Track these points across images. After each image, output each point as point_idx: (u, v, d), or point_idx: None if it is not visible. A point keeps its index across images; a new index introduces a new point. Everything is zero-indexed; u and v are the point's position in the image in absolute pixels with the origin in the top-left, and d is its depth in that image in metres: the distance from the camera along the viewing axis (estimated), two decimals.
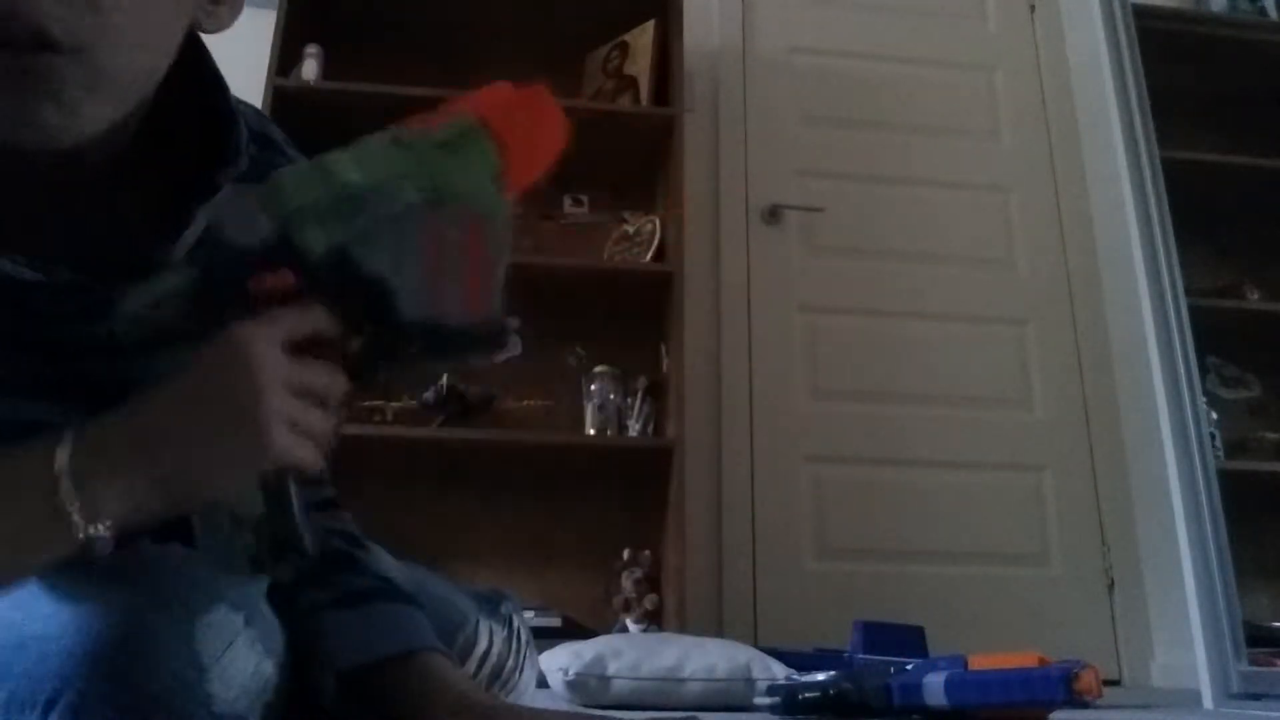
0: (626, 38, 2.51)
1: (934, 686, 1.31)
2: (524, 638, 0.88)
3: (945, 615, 2.17)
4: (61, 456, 0.48)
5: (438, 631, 0.70)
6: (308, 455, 0.53)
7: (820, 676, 1.46)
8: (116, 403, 0.51)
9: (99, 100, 0.52)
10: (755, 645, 1.92)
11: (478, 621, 0.81)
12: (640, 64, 2.45)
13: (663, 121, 2.34)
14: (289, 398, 0.51)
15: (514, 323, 0.61)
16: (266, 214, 0.52)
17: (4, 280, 0.55)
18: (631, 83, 2.45)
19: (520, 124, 0.61)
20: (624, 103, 2.42)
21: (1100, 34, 2.56)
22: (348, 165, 0.55)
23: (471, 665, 0.79)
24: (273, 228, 0.52)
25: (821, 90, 2.73)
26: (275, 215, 0.53)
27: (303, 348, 0.54)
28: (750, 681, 1.53)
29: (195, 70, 0.62)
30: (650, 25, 2.47)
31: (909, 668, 1.44)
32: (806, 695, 1.44)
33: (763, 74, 2.71)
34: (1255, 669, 2.02)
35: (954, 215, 2.66)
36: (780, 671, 1.60)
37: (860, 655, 1.77)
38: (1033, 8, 2.90)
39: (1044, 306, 2.63)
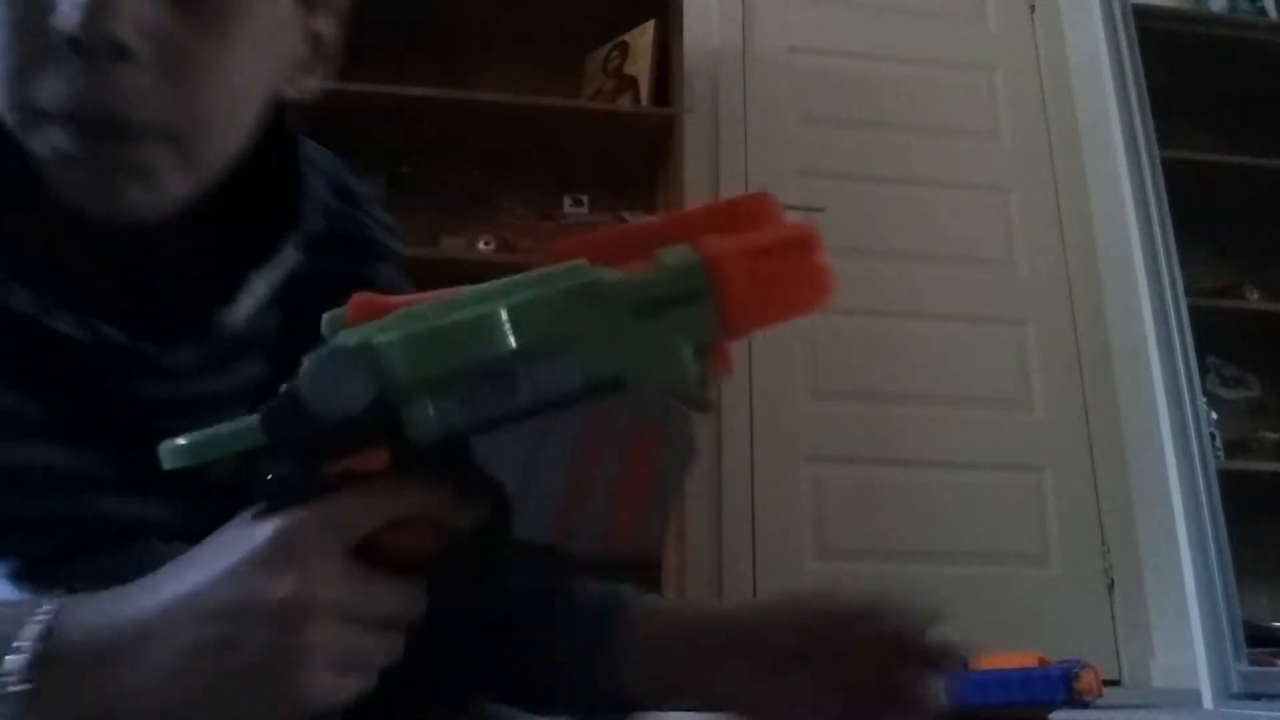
0: (626, 38, 2.51)
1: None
2: None
3: (945, 615, 2.17)
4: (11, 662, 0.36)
5: None
6: (354, 691, 0.39)
7: None
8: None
9: (186, 180, 0.50)
10: None
11: None
12: (640, 64, 2.45)
13: (663, 121, 2.33)
14: (338, 627, 0.37)
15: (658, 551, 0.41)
16: (365, 378, 0.38)
17: (52, 336, 0.50)
18: (631, 83, 2.45)
19: (764, 274, 0.40)
20: (624, 103, 2.42)
21: (1100, 34, 2.57)
22: (504, 321, 0.38)
23: None
24: (370, 398, 0.39)
25: (821, 90, 2.72)
26: (376, 383, 0.38)
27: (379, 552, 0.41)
28: None
29: (271, 130, 0.57)
30: (650, 25, 2.47)
31: None
32: None
33: (763, 74, 2.70)
34: (1255, 669, 2.02)
35: (954, 215, 2.66)
36: None
37: None
38: (1033, 8, 2.89)
39: (1044, 306, 2.63)
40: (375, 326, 0.40)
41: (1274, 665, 2.05)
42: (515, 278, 0.40)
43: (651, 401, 0.40)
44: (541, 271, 0.40)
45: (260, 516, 0.39)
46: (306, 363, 0.39)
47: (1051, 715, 1.29)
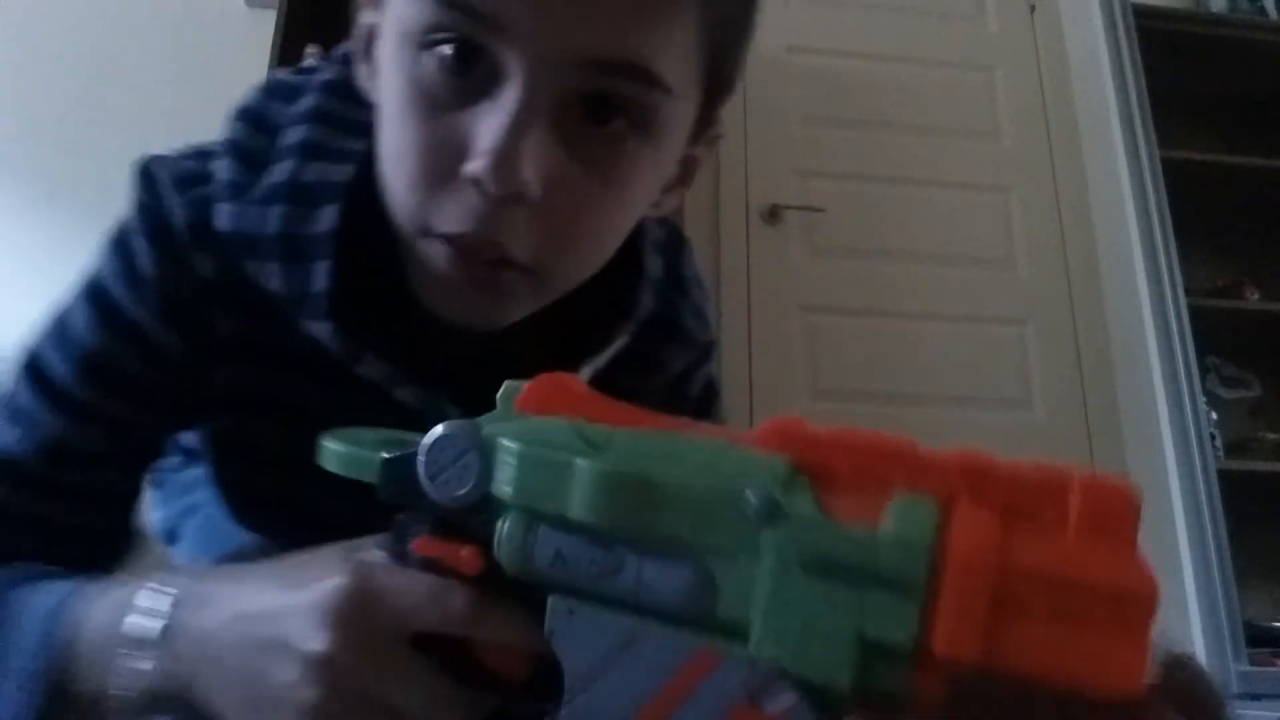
0: None
1: None
2: None
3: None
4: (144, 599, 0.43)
5: None
6: None
7: None
8: None
9: (536, 303, 0.53)
10: None
11: None
12: None
13: None
14: (346, 698, 0.38)
15: None
16: (478, 473, 0.35)
17: (396, 409, 0.54)
18: None
19: (1030, 606, 0.28)
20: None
21: (1100, 34, 2.57)
22: (615, 487, 0.32)
23: None
24: (478, 496, 0.35)
25: (821, 90, 2.72)
26: (487, 483, 0.35)
27: (439, 647, 0.38)
28: None
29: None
30: None
31: None
32: None
33: (763, 74, 2.70)
34: (1255, 669, 2.02)
35: (954, 215, 2.66)
36: None
37: None
38: (1033, 8, 2.89)
39: (1044, 306, 2.63)
40: (521, 422, 0.36)
41: (1274, 665, 2.05)
42: (710, 441, 0.34)
43: (772, 683, 0.30)
44: (740, 453, 0.32)
45: (345, 558, 0.39)
46: (438, 429, 0.36)
47: None
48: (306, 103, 0.58)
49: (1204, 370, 2.51)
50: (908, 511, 0.29)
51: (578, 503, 0.33)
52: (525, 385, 0.37)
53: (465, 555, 0.36)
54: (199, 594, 0.42)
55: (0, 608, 0.47)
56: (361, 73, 0.56)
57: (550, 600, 0.34)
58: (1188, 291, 2.33)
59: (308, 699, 0.37)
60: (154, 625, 0.42)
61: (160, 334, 0.54)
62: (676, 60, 0.49)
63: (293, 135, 0.56)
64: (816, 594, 0.29)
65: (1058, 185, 2.73)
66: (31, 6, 2.52)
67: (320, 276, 0.52)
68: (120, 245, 0.56)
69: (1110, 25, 2.53)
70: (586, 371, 0.58)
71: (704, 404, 0.71)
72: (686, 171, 0.59)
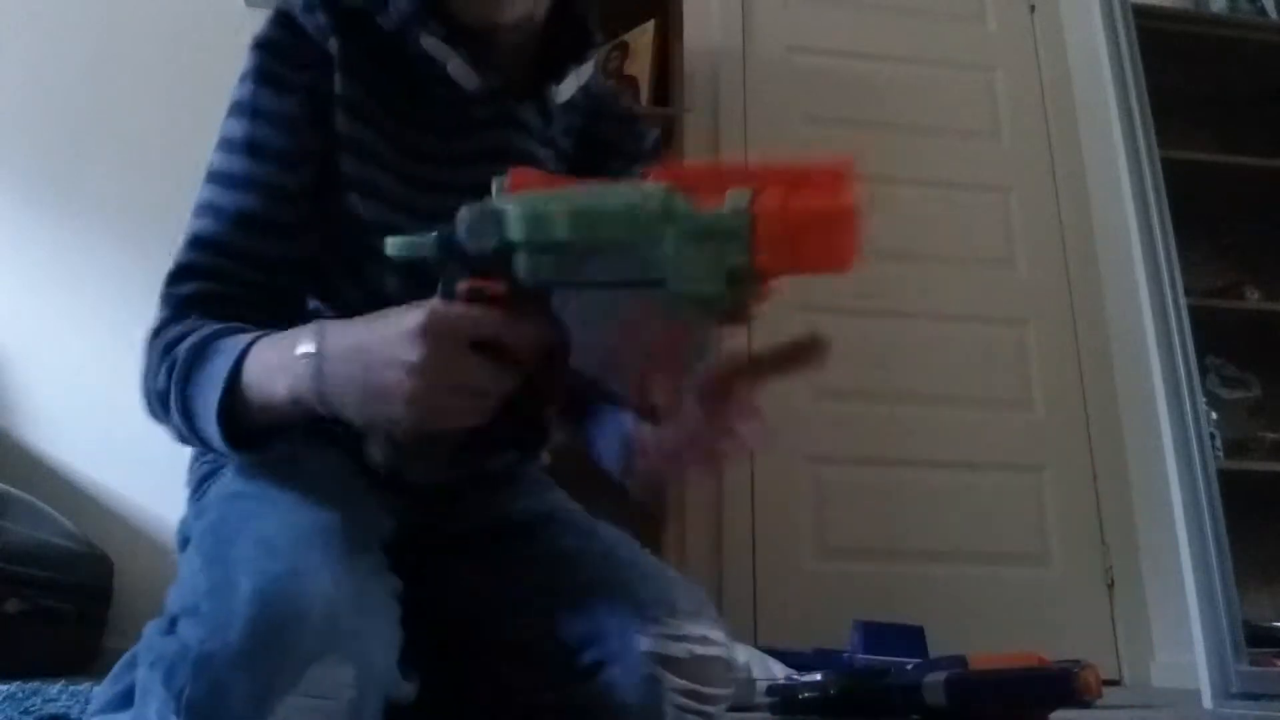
0: (626, 38, 2.51)
1: (934, 686, 1.31)
2: None
3: (945, 615, 2.17)
4: (305, 344, 0.66)
5: None
6: (439, 429, 0.63)
7: (820, 676, 1.46)
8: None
9: (537, 3, 0.83)
10: (755, 645, 1.92)
11: None
12: (640, 64, 2.45)
13: (663, 121, 2.33)
14: (434, 386, 0.60)
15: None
16: (493, 230, 0.60)
17: (451, 86, 0.83)
18: (631, 83, 2.45)
19: (797, 234, 0.54)
20: (624, 103, 2.42)
21: (1100, 34, 2.56)
22: (589, 220, 0.57)
23: None
24: (494, 244, 0.60)
25: (821, 90, 2.72)
26: (499, 235, 0.59)
27: (487, 347, 0.61)
28: (750, 681, 1.53)
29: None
30: (650, 25, 2.47)
31: (909, 668, 1.44)
32: (806, 695, 1.44)
33: (763, 74, 2.70)
34: (1255, 669, 2.02)
35: (954, 215, 2.66)
36: (780, 671, 1.60)
37: (860, 655, 1.77)
38: (1033, 8, 2.90)
39: (1044, 306, 2.63)
40: (514, 197, 0.60)
41: (1274, 665, 2.05)
42: (619, 186, 0.59)
43: (685, 306, 0.56)
44: (634, 185, 0.58)
45: (419, 307, 0.60)
46: (463, 211, 0.60)
47: (1051, 715, 1.29)
48: None
49: (1204, 370, 2.51)
50: (735, 197, 0.54)
51: (558, 232, 0.58)
52: (509, 176, 0.61)
53: (494, 285, 0.61)
54: (335, 332, 0.65)
55: (213, 341, 0.71)
56: None
57: (554, 294, 0.60)
58: (1188, 291, 2.33)
59: (410, 389, 0.60)
60: (310, 348, 0.64)
61: (296, 111, 0.80)
62: None
63: None
64: (698, 251, 0.55)
65: (1058, 185, 2.73)
66: (32, 6, 2.52)
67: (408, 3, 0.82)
68: (248, 71, 0.83)
69: (1110, 25, 2.53)
70: (572, 79, 0.87)
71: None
72: None
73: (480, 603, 0.80)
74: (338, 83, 0.80)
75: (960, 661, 1.36)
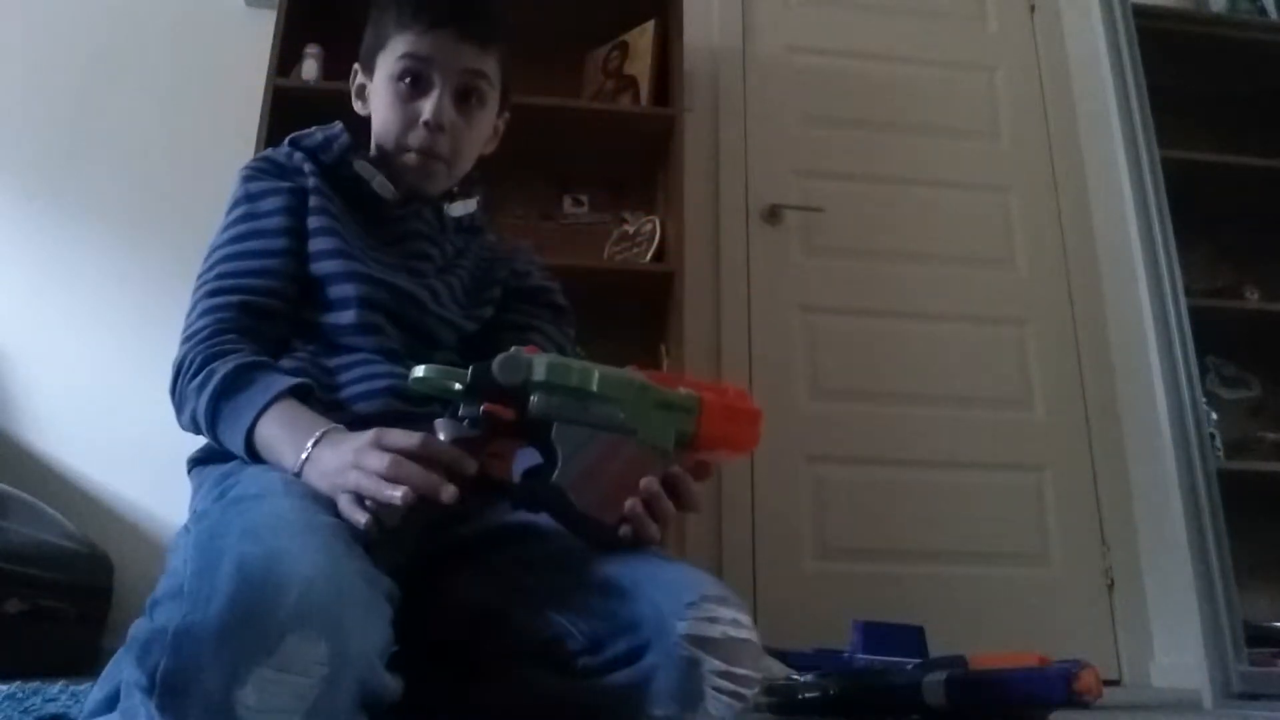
0: (626, 38, 2.51)
1: (934, 686, 1.31)
2: None
3: (945, 615, 2.17)
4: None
5: None
6: (362, 523, 0.76)
7: (820, 676, 1.46)
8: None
9: (446, 182, 1.19)
10: None
11: None
12: (640, 64, 2.45)
13: (663, 121, 2.33)
14: (364, 477, 0.77)
15: (627, 535, 0.81)
16: (521, 372, 0.82)
17: (374, 197, 1.15)
18: (631, 83, 2.45)
19: (726, 420, 0.86)
20: (624, 103, 2.42)
21: (1100, 34, 2.57)
22: (595, 378, 0.83)
23: None
24: (521, 381, 0.82)
25: (821, 90, 2.73)
26: (524, 376, 0.82)
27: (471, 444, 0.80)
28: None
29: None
30: (650, 25, 2.47)
31: (909, 668, 1.44)
32: (806, 695, 1.44)
33: (763, 74, 2.71)
34: (1255, 669, 2.02)
35: (954, 215, 2.66)
36: (780, 671, 1.60)
37: (860, 655, 1.77)
38: (1033, 8, 2.90)
39: (1044, 306, 2.63)
40: (535, 354, 0.83)
41: (1274, 665, 2.05)
42: (616, 371, 0.84)
43: (647, 451, 0.83)
44: (627, 372, 0.85)
45: (385, 434, 0.80)
46: (500, 356, 0.82)
47: (1051, 715, 1.29)
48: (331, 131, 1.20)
49: (1204, 370, 2.51)
50: (689, 392, 0.86)
51: (572, 379, 0.82)
52: (528, 348, 0.84)
53: (505, 410, 0.81)
54: (323, 444, 0.85)
55: (254, 371, 0.95)
56: (357, 105, 1.24)
57: (555, 426, 0.81)
58: (1188, 291, 2.33)
59: (350, 478, 0.78)
60: (304, 455, 0.85)
61: (281, 200, 1.10)
62: (494, 72, 1.17)
63: (331, 131, 1.20)
64: (662, 416, 0.84)
65: (1058, 185, 2.74)
66: (32, 7, 2.52)
67: (336, 129, 1.19)
68: (238, 183, 1.13)
69: (1110, 25, 2.53)
70: (459, 207, 1.22)
71: (539, 292, 1.25)
72: (495, 132, 1.25)
73: (499, 603, 0.82)
74: (311, 187, 1.11)
75: (960, 661, 1.36)
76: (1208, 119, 2.74)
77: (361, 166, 1.14)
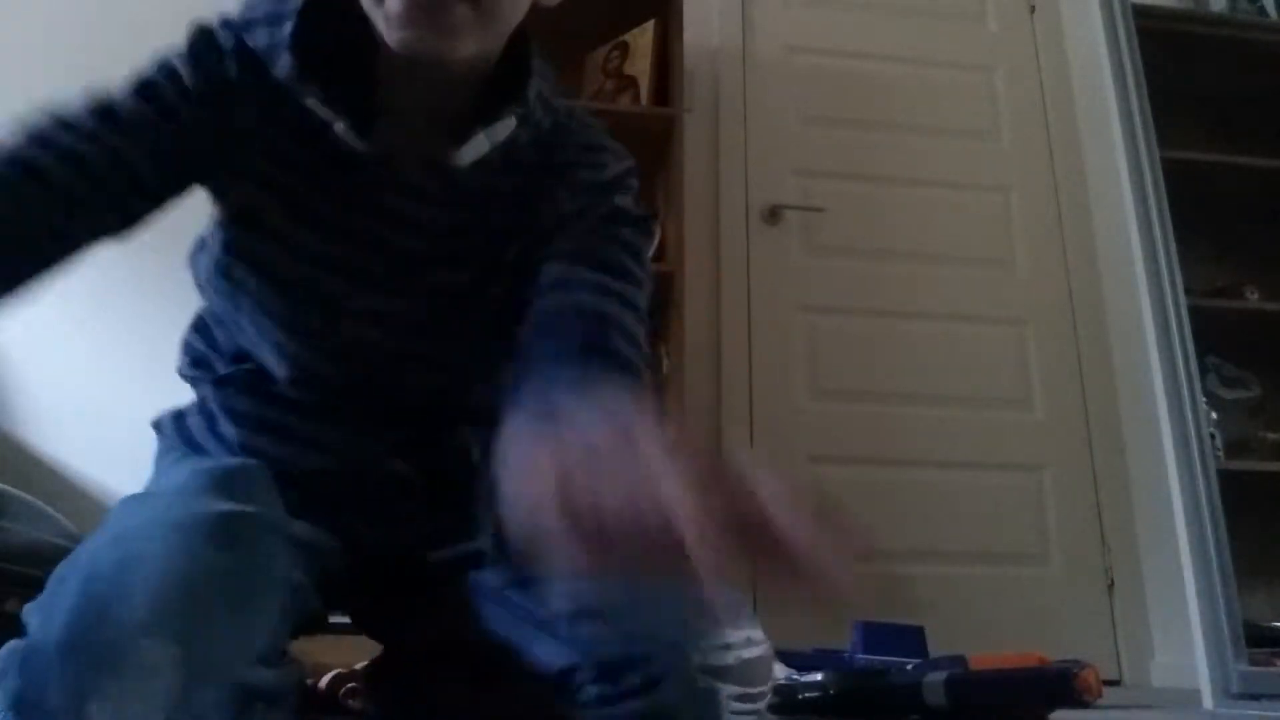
0: (626, 38, 2.51)
1: (934, 686, 1.31)
2: None
3: (945, 615, 2.17)
4: None
5: None
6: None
7: (820, 676, 1.46)
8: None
9: (476, 40, 0.74)
10: None
11: None
12: (640, 64, 2.45)
13: (663, 121, 2.33)
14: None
15: None
16: None
17: (336, 147, 0.77)
18: (631, 83, 2.45)
19: None
20: (624, 103, 2.42)
21: (1100, 34, 2.56)
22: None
23: None
24: None
25: (821, 90, 2.73)
26: None
27: None
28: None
29: (522, 44, 0.83)
30: (650, 25, 2.47)
31: (909, 668, 1.44)
32: (806, 695, 1.44)
33: (763, 74, 2.71)
34: (1255, 669, 2.02)
35: (954, 215, 2.66)
36: (780, 671, 1.60)
37: (860, 655, 1.77)
38: (1033, 8, 2.90)
39: (1044, 306, 2.63)
40: None
41: (1274, 665, 2.05)
42: None
43: None
44: None
45: None
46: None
47: (1051, 715, 1.29)
48: None
49: (1204, 370, 2.51)
50: None
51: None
52: None
53: None
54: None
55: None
56: None
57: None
58: (1188, 291, 2.33)
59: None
60: None
61: (183, 104, 0.77)
62: None
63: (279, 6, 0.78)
64: None
65: (1058, 185, 2.74)
66: (31, 6, 2.52)
67: (285, 31, 0.76)
68: (164, 59, 0.80)
69: (1110, 25, 2.53)
70: (482, 140, 0.79)
71: (612, 223, 0.86)
72: None
73: (492, 634, 0.79)
74: (238, 117, 0.78)
75: (960, 661, 1.36)
76: (1208, 119, 2.73)
77: (315, 105, 0.77)
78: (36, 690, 0.54)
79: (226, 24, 0.79)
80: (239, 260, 0.80)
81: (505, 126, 0.80)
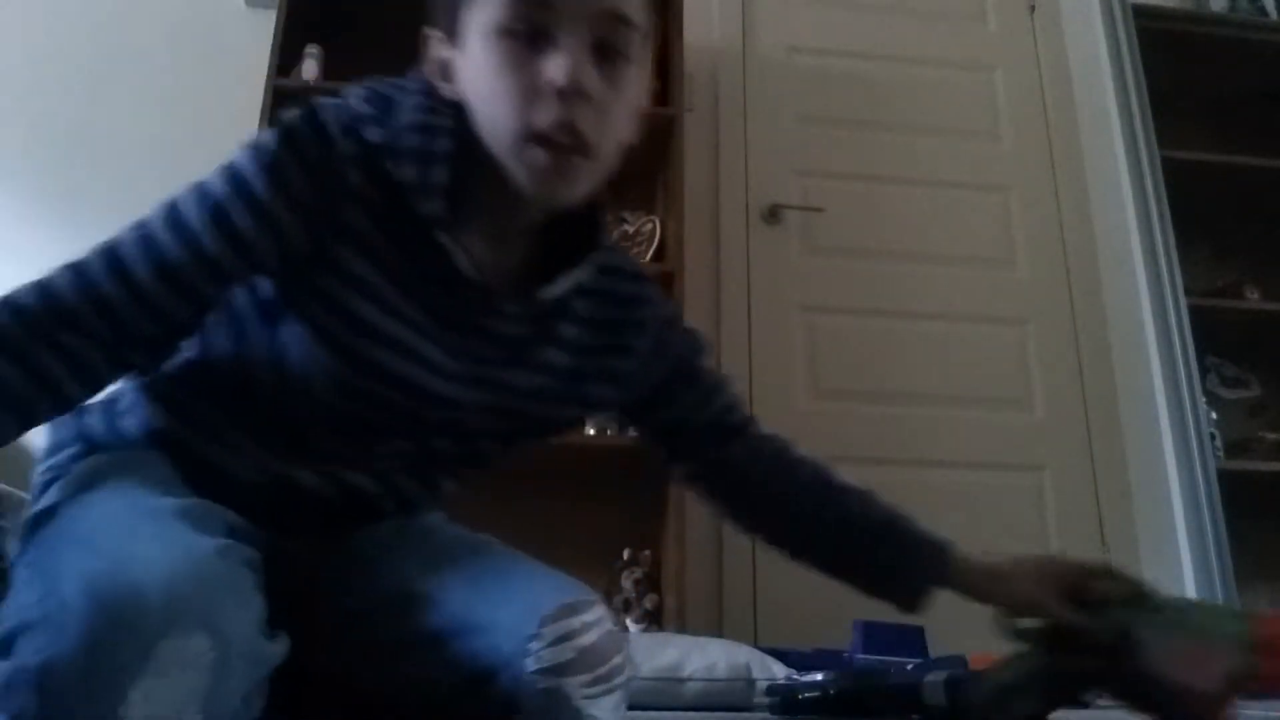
0: None
1: (934, 686, 1.31)
2: None
3: (945, 615, 2.16)
4: None
5: None
6: None
7: (820, 676, 1.46)
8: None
9: (585, 187, 0.82)
10: (755, 645, 1.92)
11: None
12: None
13: (663, 121, 2.33)
14: None
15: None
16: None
17: (451, 270, 0.81)
18: None
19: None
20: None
21: (1100, 34, 2.57)
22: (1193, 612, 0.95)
23: None
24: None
25: (821, 90, 2.72)
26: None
27: None
28: (750, 681, 1.53)
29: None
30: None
31: (909, 668, 1.44)
32: (806, 695, 1.44)
33: (763, 74, 2.71)
34: None
35: (954, 215, 2.66)
36: (780, 671, 1.60)
37: (860, 655, 1.76)
38: (1033, 8, 2.90)
39: (1044, 306, 2.63)
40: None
41: None
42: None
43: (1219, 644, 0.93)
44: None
45: None
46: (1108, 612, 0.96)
47: (1051, 715, 1.29)
48: (411, 91, 0.84)
49: (1204, 370, 2.51)
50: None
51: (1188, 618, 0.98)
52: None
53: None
54: None
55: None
56: (443, 88, 0.83)
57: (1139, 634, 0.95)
58: (1188, 291, 2.33)
59: None
60: None
61: (283, 214, 0.77)
62: (638, 14, 0.81)
63: (408, 102, 0.82)
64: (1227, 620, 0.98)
65: (1058, 185, 2.73)
66: (32, 7, 2.52)
67: (440, 174, 0.80)
68: (262, 149, 0.79)
69: (1110, 25, 2.54)
70: (563, 282, 0.86)
71: (690, 352, 1.09)
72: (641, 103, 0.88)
73: (369, 600, 0.79)
74: (346, 214, 0.79)
75: (960, 661, 1.36)
76: (1208, 119, 2.74)
77: (446, 240, 0.80)
78: (61, 707, 0.53)
79: (349, 131, 0.79)
80: (316, 315, 0.81)
81: (582, 273, 0.88)
